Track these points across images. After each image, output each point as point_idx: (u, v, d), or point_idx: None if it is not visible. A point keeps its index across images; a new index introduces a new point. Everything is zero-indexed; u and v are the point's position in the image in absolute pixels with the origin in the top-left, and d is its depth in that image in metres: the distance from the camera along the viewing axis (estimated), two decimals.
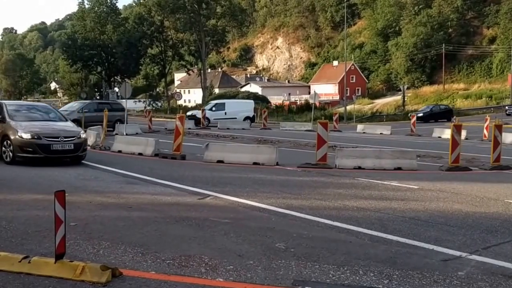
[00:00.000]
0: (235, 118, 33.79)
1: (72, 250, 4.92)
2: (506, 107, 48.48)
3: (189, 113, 37.44)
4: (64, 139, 11.97)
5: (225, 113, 33.78)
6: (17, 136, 11.80)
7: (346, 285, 4.33)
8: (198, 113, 34.60)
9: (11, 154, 11.89)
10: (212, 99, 66.41)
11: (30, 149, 11.70)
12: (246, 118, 35.28)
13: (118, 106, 28.89)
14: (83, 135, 12.66)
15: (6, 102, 14.70)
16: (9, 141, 11.95)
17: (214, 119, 33.13)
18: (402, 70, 78.24)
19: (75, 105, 29.31)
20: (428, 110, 46.60)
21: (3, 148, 12.12)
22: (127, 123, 24.96)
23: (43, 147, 11.72)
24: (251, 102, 40.22)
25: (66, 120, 13.92)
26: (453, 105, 59.89)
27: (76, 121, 23.16)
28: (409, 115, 48.80)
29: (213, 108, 35.33)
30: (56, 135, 11.98)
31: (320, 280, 4.41)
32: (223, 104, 36.83)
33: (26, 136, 11.74)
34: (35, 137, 11.74)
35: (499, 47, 71.77)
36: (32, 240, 5.44)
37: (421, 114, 44.82)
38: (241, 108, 36.52)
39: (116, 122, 25.98)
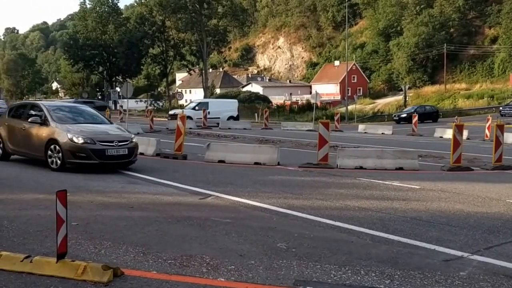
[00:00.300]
0: (219, 117, 32.96)
1: (73, 249, 4.92)
2: (500, 108, 48.22)
3: (171, 112, 36.72)
4: (119, 144, 11.01)
5: (209, 112, 32.98)
6: (67, 140, 10.72)
7: (347, 285, 4.32)
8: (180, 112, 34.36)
9: (59, 160, 10.82)
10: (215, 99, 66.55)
11: (84, 155, 10.68)
12: (230, 117, 34.54)
13: (101, 104, 28.84)
14: (134, 139, 11.74)
15: (44, 102, 13.86)
16: (57, 146, 10.84)
17: (198, 118, 31.99)
18: (403, 70, 78.17)
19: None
20: (412, 110, 46.37)
21: (49, 153, 10.99)
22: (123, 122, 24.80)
23: (98, 152, 10.71)
24: (234, 102, 39.48)
25: (111, 123, 13.02)
26: (454, 105, 59.91)
27: None
28: (393, 116, 48.79)
29: (196, 108, 34.46)
30: (110, 139, 11.03)
31: (321, 280, 4.40)
32: (207, 103, 36.17)
33: (79, 140, 10.71)
34: (89, 141, 10.74)
35: (501, 47, 71.65)
36: (33, 240, 5.45)
37: (404, 115, 45.05)
38: (225, 107, 35.82)
39: None
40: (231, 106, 36.65)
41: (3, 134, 12.60)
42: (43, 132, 11.31)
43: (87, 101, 32.42)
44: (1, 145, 12.68)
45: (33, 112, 12.09)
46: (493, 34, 76.08)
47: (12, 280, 4.19)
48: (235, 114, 35.97)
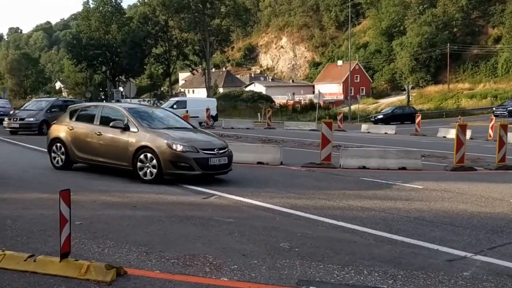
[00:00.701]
0: (197, 117, 30.50)
1: (77, 249, 4.93)
2: (494, 108, 47.92)
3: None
4: (219, 152, 9.86)
5: (187, 111, 30.93)
6: (166, 148, 9.42)
7: (350, 285, 4.32)
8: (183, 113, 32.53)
9: (154, 169, 9.47)
10: (216, 99, 66.23)
11: (186, 165, 9.41)
12: (211, 116, 32.87)
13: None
14: (229, 147, 10.61)
15: (123, 105, 12.46)
16: (150, 155, 9.50)
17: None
18: (406, 70, 78.05)
19: (41, 103, 28.45)
20: (390, 112, 45.96)
21: (140, 163, 9.61)
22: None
23: (201, 161, 9.50)
24: (213, 101, 37.82)
25: (195, 128, 11.87)
26: (458, 105, 59.74)
27: (45, 122, 22.78)
28: (369, 117, 48.34)
29: (174, 106, 32.01)
30: (211, 147, 9.87)
31: (324, 280, 4.40)
32: (185, 102, 34.13)
33: (179, 148, 9.42)
34: (190, 149, 9.47)
35: (505, 47, 71.47)
36: (37, 239, 5.46)
37: (381, 116, 44.74)
38: (204, 106, 33.46)
39: None
40: (210, 105, 34.33)
41: (67, 140, 10.93)
42: (129, 139, 9.91)
43: (67, 100, 31.32)
44: (64, 152, 11.02)
45: (110, 116, 10.60)
46: (496, 34, 75.90)
47: (16, 279, 4.20)
48: (214, 113, 34.22)
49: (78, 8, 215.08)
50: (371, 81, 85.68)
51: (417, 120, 30.97)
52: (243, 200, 8.06)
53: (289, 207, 7.58)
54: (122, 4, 71.55)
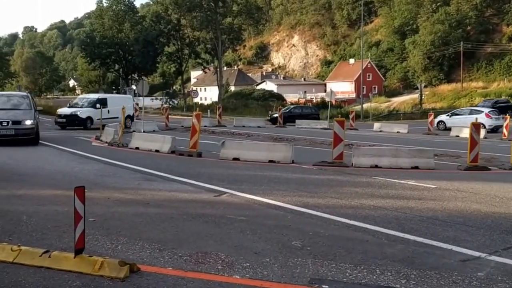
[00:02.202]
0: (117, 117, 24.08)
1: (91, 245, 4.98)
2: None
3: (62, 112, 27.98)
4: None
5: (108, 111, 26.14)
6: None
7: (363, 284, 4.31)
8: (80, 112, 27.09)
9: None
10: (228, 97, 66.00)
11: None
12: (127, 117, 26.57)
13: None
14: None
15: None
16: None
17: (98, 119, 23.51)
18: (419, 68, 77.42)
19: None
20: (287, 110, 41.66)
21: None
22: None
23: None
24: (130, 98, 32.47)
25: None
26: (471, 104, 59.04)
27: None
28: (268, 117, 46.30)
29: (97, 105, 25.61)
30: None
31: (336, 279, 4.39)
32: (106, 99, 28.59)
33: None
34: None
35: None
36: (52, 235, 5.52)
37: (276, 115, 39.51)
38: (123, 105, 24.81)
39: None
40: (126, 104, 27.10)
41: None
42: None
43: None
44: None
45: None
46: (511, 32, 74.92)
47: (31, 274, 4.25)
48: (131, 112, 29.45)
49: (92, 7, 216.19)
50: (384, 79, 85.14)
51: (429, 119, 30.75)
52: (255, 198, 8.07)
53: (301, 205, 7.57)
54: (135, 3, 72.04)
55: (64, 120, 26.87)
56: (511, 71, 71.25)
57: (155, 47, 65.57)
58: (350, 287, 4.23)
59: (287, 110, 41.45)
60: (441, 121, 32.62)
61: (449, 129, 29.08)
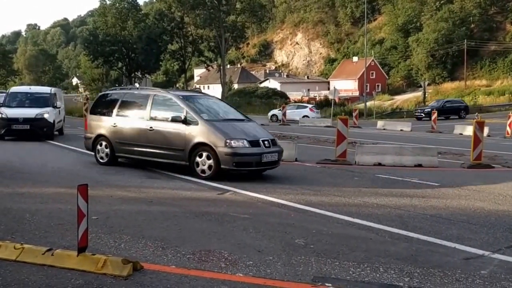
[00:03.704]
0: None
1: (94, 243, 4.98)
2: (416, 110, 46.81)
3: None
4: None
5: None
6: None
7: (366, 282, 4.30)
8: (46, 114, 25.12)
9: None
10: (231, 95, 65.84)
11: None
12: None
13: None
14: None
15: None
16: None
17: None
18: (422, 66, 77.25)
19: None
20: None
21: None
22: None
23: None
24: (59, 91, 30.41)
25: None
26: (475, 101, 58.90)
27: None
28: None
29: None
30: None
31: (340, 277, 4.39)
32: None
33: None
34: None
35: None
36: (55, 233, 5.53)
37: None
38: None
39: None
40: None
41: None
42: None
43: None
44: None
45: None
46: None
47: (34, 272, 4.26)
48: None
49: (95, 4, 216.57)
50: (387, 77, 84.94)
51: (433, 117, 30.65)
52: (258, 196, 8.06)
53: (304, 203, 7.56)
54: (138, 0, 71.64)
55: None
56: None
57: (158, 45, 65.53)
58: (353, 285, 4.22)
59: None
60: (274, 114, 39.42)
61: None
